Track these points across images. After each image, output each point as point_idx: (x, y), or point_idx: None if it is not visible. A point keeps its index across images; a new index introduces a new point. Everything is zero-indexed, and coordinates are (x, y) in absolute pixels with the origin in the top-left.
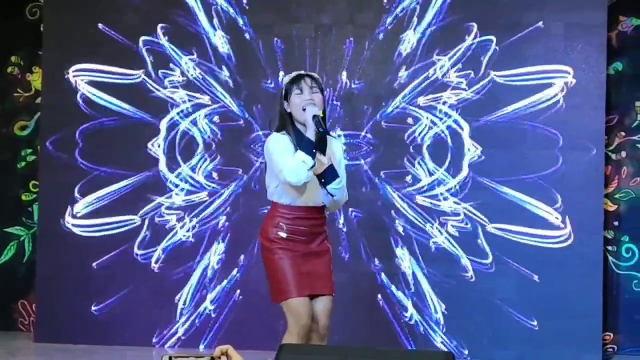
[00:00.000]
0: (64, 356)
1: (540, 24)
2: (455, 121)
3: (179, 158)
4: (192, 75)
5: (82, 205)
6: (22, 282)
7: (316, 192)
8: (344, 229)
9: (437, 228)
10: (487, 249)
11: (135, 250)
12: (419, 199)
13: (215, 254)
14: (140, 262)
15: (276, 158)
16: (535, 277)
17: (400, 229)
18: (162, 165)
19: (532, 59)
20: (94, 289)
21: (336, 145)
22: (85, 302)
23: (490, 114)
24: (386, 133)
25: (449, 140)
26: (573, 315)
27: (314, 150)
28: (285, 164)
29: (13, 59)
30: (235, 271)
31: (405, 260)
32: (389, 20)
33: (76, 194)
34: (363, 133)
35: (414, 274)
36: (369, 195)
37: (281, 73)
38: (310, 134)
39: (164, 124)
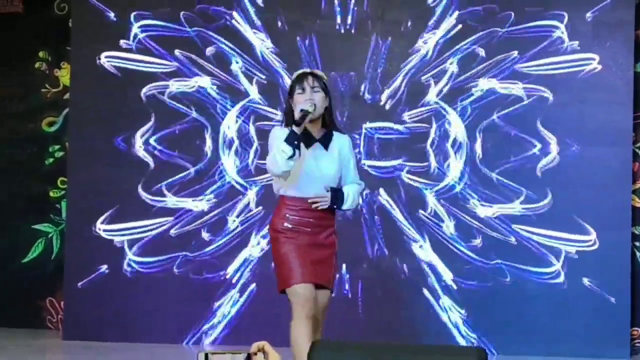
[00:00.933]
0: (92, 354)
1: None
2: (478, 117)
3: (222, 155)
4: (226, 70)
5: (112, 206)
6: (51, 280)
7: (320, 184)
8: (372, 225)
9: (462, 226)
10: (512, 243)
11: (165, 247)
12: (445, 197)
13: (248, 252)
14: (171, 259)
15: (270, 148)
16: (563, 273)
17: (426, 226)
18: (199, 164)
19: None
20: (122, 286)
21: (342, 142)
22: (113, 299)
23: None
24: (412, 129)
25: (473, 135)
26: (601, 311)
27: (296, 142)
28: (270, 155)
29: (41, 54)
30: (269, 269)
31: (430, 256)
32: (416, 17)
33: (106, 193)
34: (390, 129)
35: (439, 270)
36: (398, 192)
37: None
38: (296, 127)
39: (203, 120)
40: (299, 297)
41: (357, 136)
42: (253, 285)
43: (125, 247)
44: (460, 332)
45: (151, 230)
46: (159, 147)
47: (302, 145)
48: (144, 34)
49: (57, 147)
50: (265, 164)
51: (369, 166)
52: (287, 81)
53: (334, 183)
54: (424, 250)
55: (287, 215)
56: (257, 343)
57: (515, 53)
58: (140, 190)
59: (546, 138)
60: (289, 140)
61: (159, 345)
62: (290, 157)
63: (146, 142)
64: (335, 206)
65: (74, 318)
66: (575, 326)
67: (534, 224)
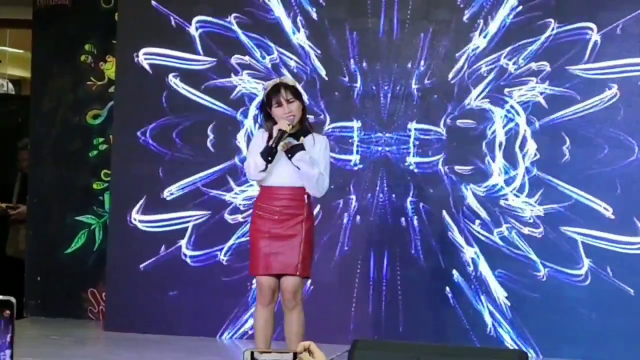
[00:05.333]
0: (132, 345)
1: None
2: (526, 118)
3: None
4: (264, 65)
5: (154, 199)
6: (93, 271)
7: (283, 172)
8: (414, 225)
9: (506, 227)
10: (556, 246)
11: (207, 240)
12: (490, 197)
13: None
14: (212, 253)
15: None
16: (604, 274)
17: (471, 226)
18: (237, 159)
19: (610, 55)
20: (163, 279)
21: (316, 139)
22: (154, 291)
23: (561, 110)
24: (458, 129)
25: (522, 136)
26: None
27: (270, 158)
28: (247, 160)
29: (87, 47)
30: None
31: (474, 257)
32: (463, 16)
33: (148, 186)
34: (436, 129)
35: (482, 271)
36: (440, 192)
37: (353, 65)
38: (272, 142)
39: (239, 116)
40: (259, 287)
41: (402, 135)
42: None
43: (168, 239)
44: (501, 334)
45: (193, 223)
46: (198, 142)
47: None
48: (191, 30)
49: (101, 139)
50: None
51: (414, 163)
52: (326, 79)
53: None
54: (466, 250)
55: (259, 204)
56: (303, 343)
57: (571, 53)
58: (181, 183)
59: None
60: (264, 155)
61: (198, 339)
62: (263, 170)
63: (186, 137)
64: (290, 155)
65: (115, 309)
66: (618, 330)
67: (582, 225)
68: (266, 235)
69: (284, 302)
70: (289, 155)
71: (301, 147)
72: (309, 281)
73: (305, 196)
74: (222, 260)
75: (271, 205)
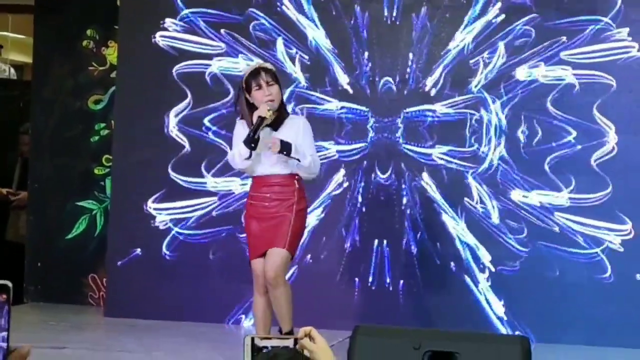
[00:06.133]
0: (133, 331)
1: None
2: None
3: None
4: (271, 52)
5: (156, 185)
6: (93, 256)
7: (271, 161)
8: (412, 211)
9: (507, 211)
10: (555, 231)
11: (209, 227)
12: (487, 182)
13: None
14: (214, 239)
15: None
16: (605, 262)
17: (474, 212)
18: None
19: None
20: (164, 265)
21: (294, 122)
22: (155, 277)
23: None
24: (458, 116)
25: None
26: None
27: (253, 145)
28: (232, 150)
29: (89, 32)
30: (311, 252)
31: (474, 243)
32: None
33: (150, 172)
34: (438, 111)
35: (481, 256)
36: (439, 177)
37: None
38: (251, 130)
39: None
40: (254, 274)
41: (398, 120)
42: (294, 269)
43: (169, 226)
44: (500, 319)
45: (195, 210)
46: (204, 128)
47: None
48: (192, 14)
49: (102, 125)
50: None
51: (409, 150)
52: (338, 70)
53: (286, 160)
54: (464, 236)
55: (251, 193)
56: (304, 328)
57: (563, 38)
58: (184, 169)
59: (597, 126)
60: (247, 143)
61: (199, 325)
62: (247, 158)
63: (189, 123)
64: (285, 152)
65: (116, 295)
66: (617, 316)
67: (577, 212)
68: (256, 219)
69: (267, 280)
70: (285, 153)
71: (288, 143)
72: (295, 267)
73: (296, 181)
74: (226, 246)
75: (262, 194)
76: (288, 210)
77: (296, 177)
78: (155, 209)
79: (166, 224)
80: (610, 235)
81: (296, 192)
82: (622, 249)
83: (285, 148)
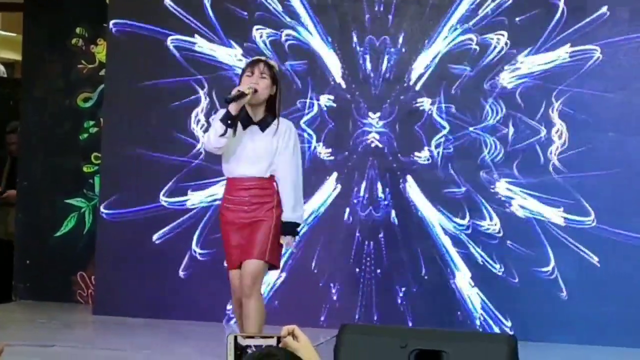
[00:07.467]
0: (121, 329)
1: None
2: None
3: None
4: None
5: (145, 182)
6: (82, 254)
7: (257, 164)
8: (400, 212)
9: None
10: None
11: (199, 225)
12: (480, 184)
13: None
14: (203, 238)
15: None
16: (598, 259)
17: (461, 211)
18: None
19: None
20: (154, 262)
21: (283, 127)
22: (145, 275)
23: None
24: (450, 114)
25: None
26: (637, 298)
27: (230, 122)
28: (207, 132)
29: (78, 30)
30: (299, 253)
31: (462, 242)
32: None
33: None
34: (426, 116)
35: (471, 256)
36: (426, 178)
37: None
38: (232, 107)
39: None
40: (232, 283)
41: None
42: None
43: (158, 223)
44: (490, 319)
45: (184, 207)
46: (197, 126)
47: (239, 127)
48: (179, 12)
49: (91, 122)
50: None
51: (400, 153)
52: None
53: (268, 163)
54: (452, 236)
55: (228, 196)
56: (287, 327)
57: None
58: (174, 167)
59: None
60: (223, 119)
61: (188, 322)
62: (222, 135)
63: (177, 120)
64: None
65: (105, 293)
66: (610, 314)
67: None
68: (235, 227)
69: (242, 288)
70: (297, 231)
71: (291, 224)
72: (278, 271)
73: (274, 184)
74: (214, 245)
75: (240, 197)
76: (267, 214)
77: (274, 178)
78: (138, 205)
79: (154, 221)
80: (601, 232)
81: (275, 195)
82: (614, 245)
83: (293, 229)
